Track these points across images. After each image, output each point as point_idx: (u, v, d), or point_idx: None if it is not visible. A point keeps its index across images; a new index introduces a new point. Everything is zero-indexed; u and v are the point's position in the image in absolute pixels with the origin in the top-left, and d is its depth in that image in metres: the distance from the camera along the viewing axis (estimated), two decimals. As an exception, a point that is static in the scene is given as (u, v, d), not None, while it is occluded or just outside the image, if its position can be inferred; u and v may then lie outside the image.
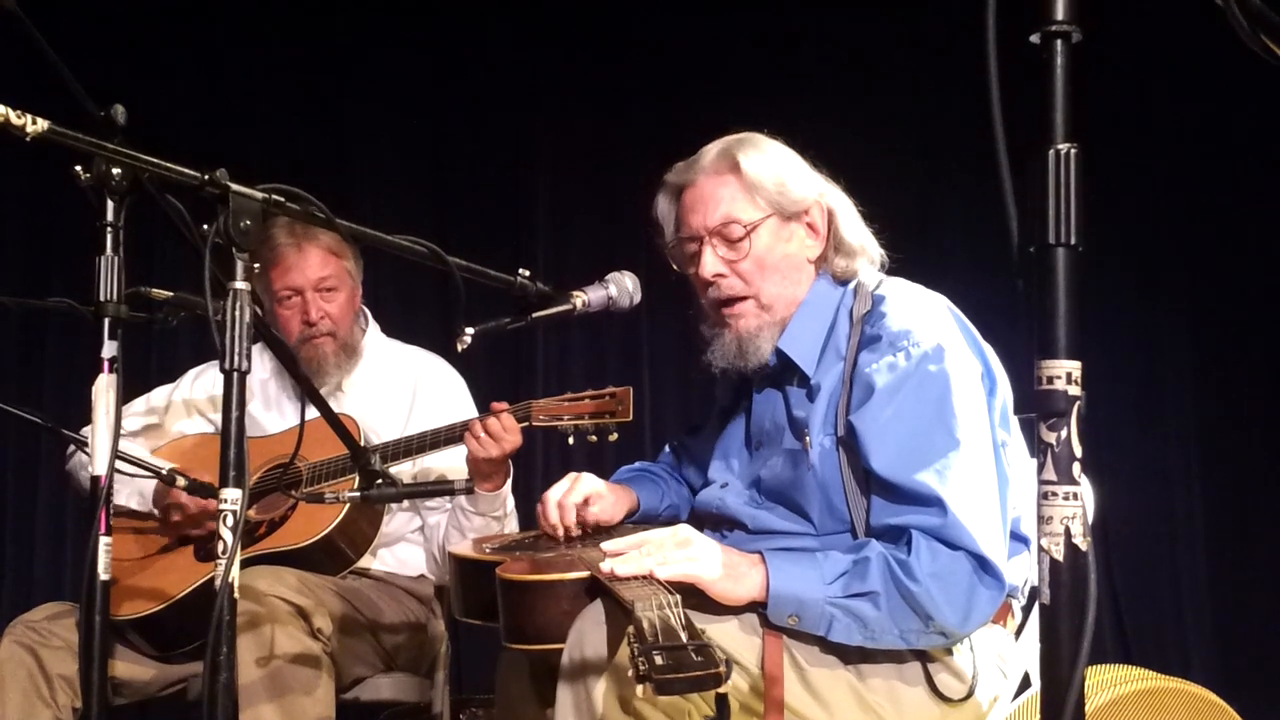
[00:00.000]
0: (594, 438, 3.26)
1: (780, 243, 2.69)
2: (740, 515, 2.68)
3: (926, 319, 2.54)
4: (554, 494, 2.87)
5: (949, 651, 2.46)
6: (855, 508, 2.50)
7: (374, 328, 3.87)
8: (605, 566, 2.28)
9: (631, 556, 2.32)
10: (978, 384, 2.49)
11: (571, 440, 3.29)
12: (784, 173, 2.68)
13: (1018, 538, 2.56)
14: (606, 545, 2.41)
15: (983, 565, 2.33)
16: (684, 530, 2.41)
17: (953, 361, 2.46)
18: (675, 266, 2.83)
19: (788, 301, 2.70)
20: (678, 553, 2.33)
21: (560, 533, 2.84)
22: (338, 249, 3.63)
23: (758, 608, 2.37)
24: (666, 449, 3.30)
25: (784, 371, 2.71)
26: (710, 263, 2.69)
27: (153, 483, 3.42)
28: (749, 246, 2.67)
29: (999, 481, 2.44)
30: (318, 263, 3.60)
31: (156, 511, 3.48)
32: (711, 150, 2.75)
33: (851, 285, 2.70)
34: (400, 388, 3.74)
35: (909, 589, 2.30)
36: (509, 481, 3.41)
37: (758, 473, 2.72)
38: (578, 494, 2.86)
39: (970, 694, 2.47)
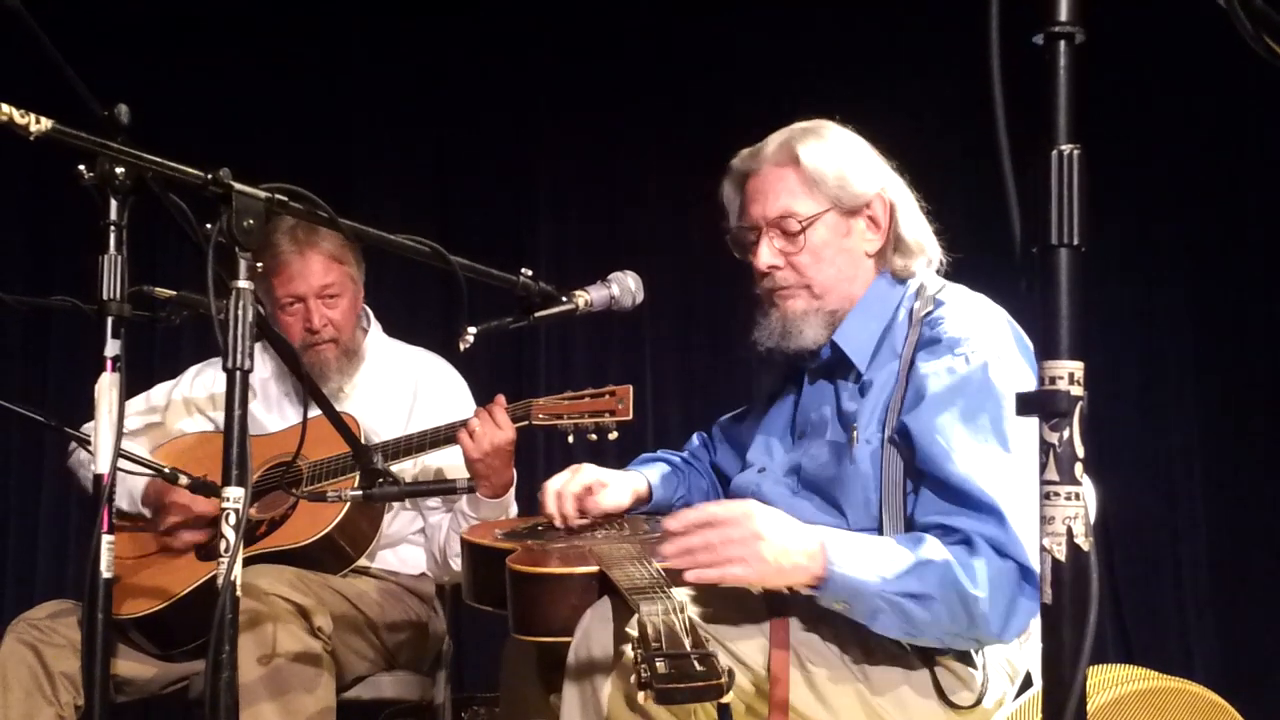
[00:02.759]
0: (594, 436, 3.25)
1: (838, 237, 2.69)
2: (775, 501, 2.65)
3: (986, 327, 2.53)
4: (553, 483, 2.88)
5: (957, 658, 2.47)
6: (889, 506, 2.48)
7: (375, 327, 3.87)
8: (666, 549, 2.25)
9: (694, 548, 2.24)
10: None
11: (571, 439, 3.28)
12: (845, 165, 2.68)
13: None
14: (665, 549, 2.29)
15: (1026, 577, 2.31)
16: (754, 516, 2.28)
17: (1009, 372, 2.45)
18: (735, 252, 2.81)
19: (842, 294, 2.70)
20: (739, 549, 2.23)
21: (560, 522, 2.84)
22: (340, 255, 3.61)
23: (808, 588, 2.31)
24: (694, 438, 3.30)
25: (837, 365, 2.71)
26: (765, 255, 2.70)
27: (142, 482, 3.42)
28: (805, 240, 2.67)
29: None
30: (320, 270, 3.58)
31: (146, 512, 3.48)
32: (775, 139, 2.75)
33: (914, 287, 2.70)
34: (401, 388, 3.74)
35: (970, 595, 2.27)
36: (512, 489, 3.41)
37: (798, 461, 2.71)
38: (577, 484, 2.87)
39: (978, 702, 2.48)
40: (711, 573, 2.23)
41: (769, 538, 2.26)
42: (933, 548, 2.32)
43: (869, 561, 2.29)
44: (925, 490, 2.43)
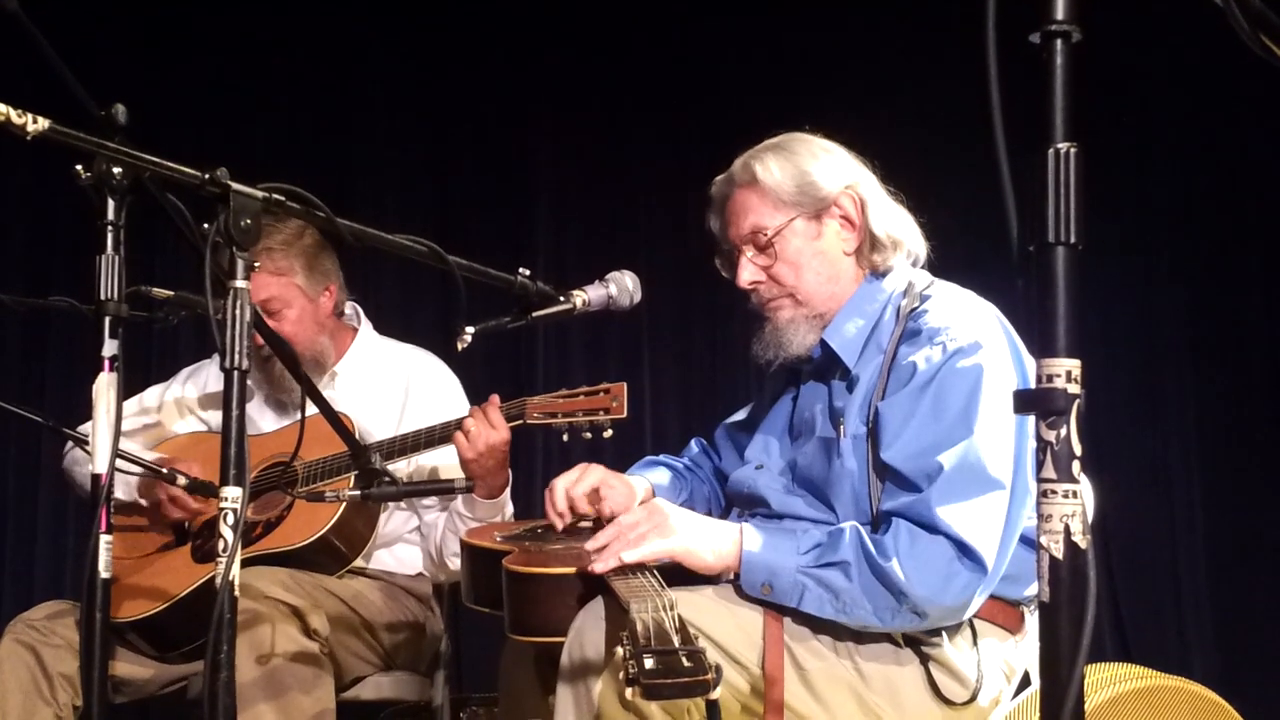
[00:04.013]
0: (589, 435, 3.24)
1: (810, 241, 2.73)
2: (768, 496, 2.73)
3: (969, 317, 2.57)
4: (562, 482, 2.90)
5: (950, 655, 2.48)
6: (875, 498, 2.51)
7: (366, 326, 3.86)
8: (593, 567, 2.36)
9: (610, 548, 2.39)
10: (1008, 388, 2.48)
11: (566, 438, 3.27)
12: (805, 170, 2.72)
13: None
14: (589, 544, 2.45)
15: (962, 549, 2.35)
16: (657, 505, 2.50)
17: (987, 359, 2.48)
18: (726, 274, 2.87)
19: (827, 296, 2.74)
20: (651, 531, 2.41)
21: (563, 522, 2.86)
22: (282, 268, 3.57)
23: (731, 578, 2.44)
24: (693, 445, 3.32)
25: (829, 365, 2.74)
26: (745, 273, 2.77)
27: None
28: (777, 251, 2.71)
29: (1014, 485, 2.43)
30: (258, 285, 3.49)
31: (143, 501, 3.48)
32: (739, 161, 2.80)
33: (902, 285, 2.73)
34: (393, 386, 3.73)
35: (879, 565, 2.34)
36: (507, 490, 3.40)
37: (793, 458, 2.75)
38: (585, 484, 2.89)
39: (973, 698, 2.49)
40: (635, 551, 2.37)
41: (674, 515, 2.47)
42: (845, 523, 2.44)
43: (782, 542, 2.42)
44: (885, 476, 2.50)
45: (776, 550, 2.40)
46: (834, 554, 2.37)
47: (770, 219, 2.71)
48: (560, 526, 2.86)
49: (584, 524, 2.89)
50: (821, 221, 2.73)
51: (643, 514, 2.49)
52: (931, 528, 2.36)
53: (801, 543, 2.41)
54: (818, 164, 2.74)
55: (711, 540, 2.44)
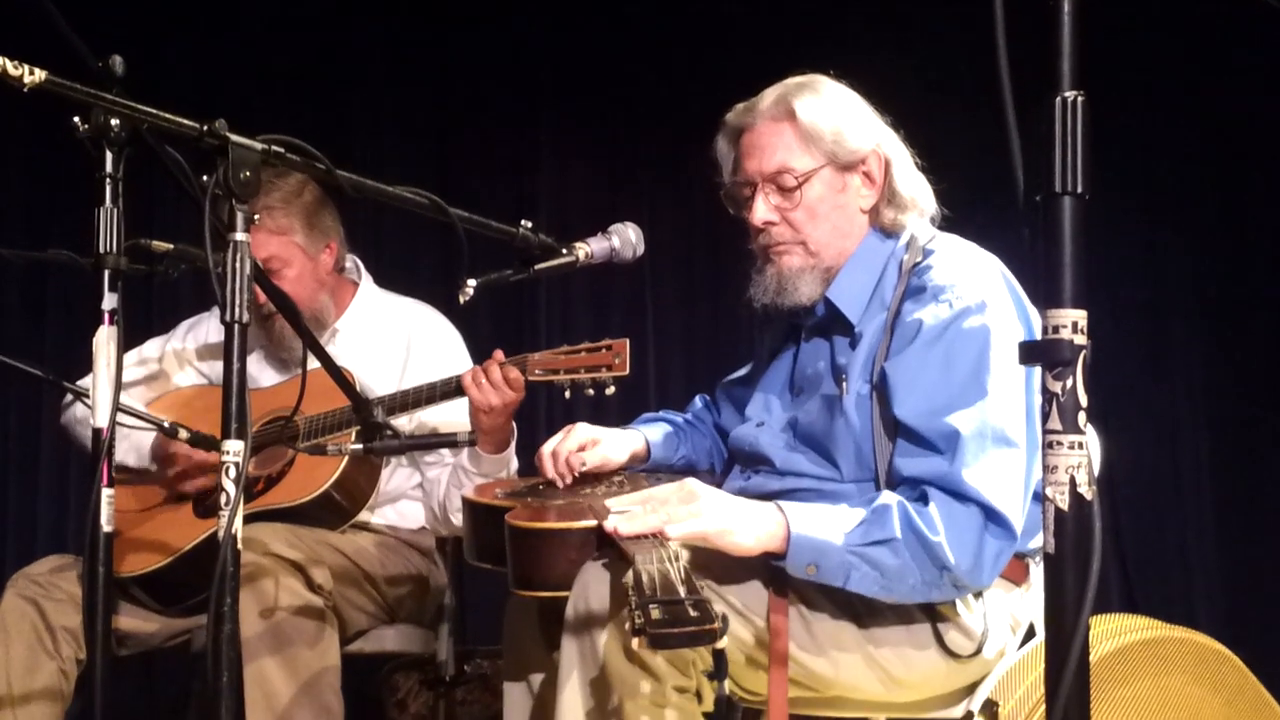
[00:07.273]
0: (591, 392, 3.21)
1: (834, 193, 2.68)
2: (771, 454, 2.69)
3: (974, 274, 2.53)
4: (548, 445, 2.91)
5: (957, 609, 2.47)
6: (881, 456, 2.49)
7: (367, 280, 3.84)
8: (609, 525, 2.26)
9: (636, 514, 2.30)
10: (1016, 344, 2.47)
11: (568, 394, 3.24)
12: (842, 121, 2.66)
13: None
14: (612, 503, 2.39)
15: (991, 516, 2.33)
16: (690, 484, 2.38)
17: (994, 317, 2.45)
18: (730, 208, 2.80)
19: (837, 251, 2.69)
20: (682, 509, 2.31)
21: (560, 483, 2.85)
22: (280, 226, 3.55)
23: (773, 559, 2.35)
24: (697, 400, 3.29)
25: (832, 322, 2.70)
26: (761, 210, 2.68)
27: (149, 438, 3.42)
28: (801, 196, 2.65)
29: (1027, 443, 2.41)
30: (258, 244, 3.37)
31: (154, 467, 3.47)
32: (770, 94, 2.72)
33: (905, 239, 2.69)
34: (394, 342, 3.71)
35: (928, 539, 2.29)
36: (512, 444, 3.38)
37: (795, 415, 2.71)
38: (572, 442, 2.88)
39: (978, 651, 2.49)
40: (673, 528, 2.25)
41: (706, 495, 2.35)
42: (886, 496, 2.37)
43: (828, 521, 2.34)
44: (896, 439, 2.46)
45: (822, 529, 2.32)
46: (881, 530, 2.31)
47: (800, 161, 2.65)
48: (562, 485, 2.86)
49: (571, 479, 2.89)
50: (847, 175, 2.68)
51: (674, 491, 2.38)
52: (962, 496, 2.33)
53: (843, 522, 2.33)
54: (852, 116, 2.68)
55: (748, 522, 2.33)
